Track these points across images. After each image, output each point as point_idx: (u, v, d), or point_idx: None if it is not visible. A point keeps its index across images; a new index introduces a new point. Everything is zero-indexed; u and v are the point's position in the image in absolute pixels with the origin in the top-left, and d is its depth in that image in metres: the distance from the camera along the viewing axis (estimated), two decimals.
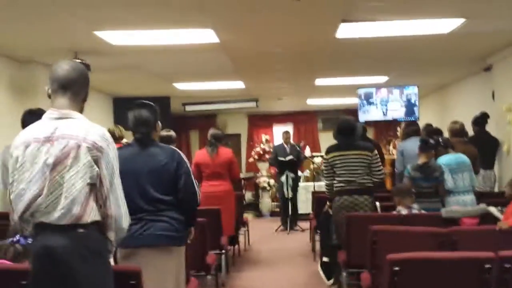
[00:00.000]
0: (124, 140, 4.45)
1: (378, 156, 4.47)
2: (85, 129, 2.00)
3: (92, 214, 1.97)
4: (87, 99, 2.16)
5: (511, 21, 4.69)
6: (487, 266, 2.51)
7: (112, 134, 4.22)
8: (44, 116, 2.06)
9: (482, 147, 5.62)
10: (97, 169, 1.97)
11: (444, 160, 4.53)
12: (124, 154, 2.86)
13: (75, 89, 2.08)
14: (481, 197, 4.64)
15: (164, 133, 3.37)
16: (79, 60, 5.25)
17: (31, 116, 3.71)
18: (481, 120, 6.24)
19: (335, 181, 4.42)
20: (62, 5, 4.00)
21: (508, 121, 4.82)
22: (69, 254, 1.92)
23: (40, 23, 4.52)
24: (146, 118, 2.88)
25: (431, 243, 3.18)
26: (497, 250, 2.58)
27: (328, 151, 4.52)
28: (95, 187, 1.97)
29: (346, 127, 4.51)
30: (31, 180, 1.96)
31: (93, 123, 2.07)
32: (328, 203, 4.68)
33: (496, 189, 5.98)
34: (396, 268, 2.47)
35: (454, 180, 4.44)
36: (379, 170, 4.40)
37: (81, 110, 2.11)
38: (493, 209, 3.96)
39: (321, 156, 4.99)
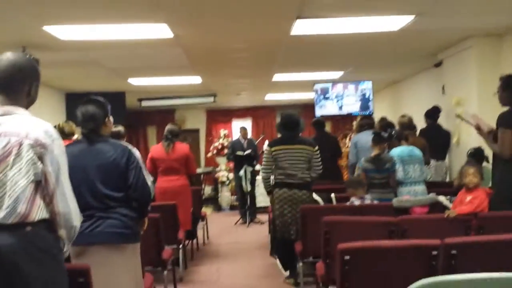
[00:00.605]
0: (75, 136, 4.35)
1: (319, 151, 4.59)
2: (28, 126, 1.94)
3: (39, 212, 1.92)
4: (33, 94, 2.07)
5: (460, 18, 4.87)
6: (434, 253, 2.61)
7: (61, 131, 4.14)
8: None
9: (434, 139, 5.83)
10: (41, 166, 1.91)
11: (397, 151, 4.68)
12: (73, 150, 2.79)
13: (15, 84, 2.00)
14: (432, 187, 4.81)
15: (112, 129, 3.31)
16: (28, 55, 5.07)
17: None
18: (432, 113, 6.48)
19: (275, 174, 4.52)
20: (10, 2, 3.85)
21: (456, 114, 5.02)
22: (16, 253, 1.86)
23: None
24: (93, 114, 2.82)
25: (382, 232, 3.28)
26: (445, 237, 2.69)
27: (272, 144, 4.63)
28: (40, 185, 1.92)
29: (290, 122, 4.62)
30: None
31: (38, 118, 2.00)
32: (268, 195, 4.80)
33: (447, 179, 6.22)
34: (347, 257, 2.54)
35: (405, 171, 4.59)
36: (319, 165, 4.55)
37: (27, 105, 2.04)
38: (442, 198, 4.12)
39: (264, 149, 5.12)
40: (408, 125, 5.78)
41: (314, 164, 4.52)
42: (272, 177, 4.62)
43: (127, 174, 2.77)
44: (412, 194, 4.46)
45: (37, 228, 1.92)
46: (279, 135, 5.00)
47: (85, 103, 2.86)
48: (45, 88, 7.83)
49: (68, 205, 1.99)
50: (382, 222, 3.39)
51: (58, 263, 2.01)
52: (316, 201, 4.57)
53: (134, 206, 2.82)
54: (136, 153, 2.87)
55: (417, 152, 4.70)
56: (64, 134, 4.19)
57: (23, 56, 2.10)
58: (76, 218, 2.03)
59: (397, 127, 5.68)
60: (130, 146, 2.88)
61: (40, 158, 1.91)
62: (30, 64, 2.07)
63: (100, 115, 2.83)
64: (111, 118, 2.97)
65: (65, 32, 4.86)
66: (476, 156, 4.80)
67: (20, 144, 1.90)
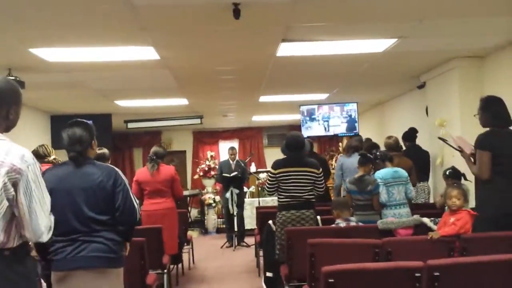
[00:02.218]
0: (52, 157, 4.31)
1: (322, 173, 4.53)
2: (4, 151, 1.92)
3: (17, 239, 1.92)
4: (12, 117, 2.04)
5: (442, 39, 4.98)
6: (417, 274, 2.61)
7: (36, 154, 4.09)
8: None
9: (415, 160, 5.88)
10: (13, 192, 1.90)
11: (381, 174, 4.70)
12: (58, 173, 2.77)
13: None
14: (415, 208, 4.84)
15: (96, 151, 3.29)
16: (13, 77, 5.07)
17: None
18: (409, 135, 6.56)
19: (279, 196, 4.44)
20: None
21: (439, 137, 5.08)
22: None
23: None
24: (79, 136, 2.80)
25: (367, 254, 3.28)
26: (429, 259, 2.69)
27: (276, 166, 4.47)
28: (14, 211, 1.91)
29: (295, 143, 4.49)
30: None
31: (14, 143, 1.98)
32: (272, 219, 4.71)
33: (431, 201, 6.26)
34: (331, 280, 2.53)
35: (389, 194, 4.60)
36: (322, 186, 4.49)
37: (5, 129, 2.02)
38: (426, 220, 4.14)
39: (267, 172, 5.00)
40: (394, 146, 5.83)
41: (317, 185, 4.43)
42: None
43: (114, 196, 2.74)
44: (396, 216, 4.47)
45: (15, 252, 1.91)
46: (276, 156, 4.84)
47: (71, 125, 2.84)
48: (30, 110, 7.79)
49: (40, 229, 1.98)
50: (367, 244, 3.39)
51: (34, 285, 2.02)
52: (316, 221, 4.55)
53: (120, 229, 2.78)
54: (122, 175, 2.85)
55: (401, 173, 4.73)
56: (40, 157, 4.14)
57: (1, 79, 2.08)
58: (46, 237, 2.02)
59: (383, 148, 5.73)
60: (115, 168, 2.87)
61: (14, 184, 1.90)
62: (9, 87, 2.05)
63: (87, 138, 2.82)
64: (95, 141, 2.96)
65: (51, 54, 4.87)
66: (455, 175, 4.83)
67: None
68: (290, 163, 4.43)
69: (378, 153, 5.01)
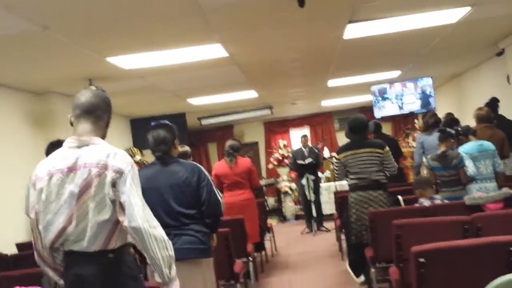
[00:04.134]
0: (138, 158, 4.56)
1: (389, 152, 4.49)
2: (105, 155, 2.00)
3: (120, 240, 1.99)
4: (109, 125, 2.18)
5: None
6: (511, 249, 2.51)
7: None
8: (64, 144, 2.07)
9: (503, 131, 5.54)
10: (119, 193, 1.96)
11: (466, 148, 4.52)
12: (147, 173, 2.95)
13: (97, 114, 2.10)
14: (506, 181, 4.60)
15: (179, 149, 3.46)
16: (94, 87, 5.38)
17: (53, 148, 3.85)
18: (491, 105, 6.19)
19: (348, 179, 4.50)
20: (75, 38, 4.14)
21: None
22: (100, 281, 1.95)
23: (55, 56, 4.67)
24: (164, 137, 2.98)
25: (456, 232, 3.18)
26: None
27: (340, 151, 4.60)
28: (118, 212, 1.96)
29: (357, 125, 4.55)
30: (57, 211, 1.98)
31: (113, 146, 2.08)
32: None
33: None
34: (422, 260, 2.49)
35: (476, 167, 4.42)
36: (392, 165, 4.46)
37: (103, 135, 2.13)
38: None
39: (334, 157, 5.05)
40: (485, 117, 5.51)
41: (386, 165, 4.42)
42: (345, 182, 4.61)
43: (199, 191, 2.89)
44: (483, 191, 4.29)
45: (119, 254, 1.99)
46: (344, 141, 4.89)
47: (155, 128, 3.03)
48: (112, 116, 8.23)
49: (148, 221, 1.95)
50: (455, 222, 3.29)
51: (140, 284, 2.10)
52: (397, 202, 4.49)
53: (206, 222, 2.93)
54: (205, 171, 2.99)
55: (488, 146, 4.50)
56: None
57: (102, 90, 2.23)
58: (159, 232, 1.98)
59: (470, 122, 5.45)
60: (198, 165, 3.01)
61: (116, 184, 1.97)
62: (108, 97, 2.20)
63: (170, 138, 3.00)
64: (177, 140, 3.12)
65: (126, 61, 5.13)
66: None
67: (100, 175, 1.97)
68: (353, 146, 4.48)
69: (459, 128, 4.80)
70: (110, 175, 1.97)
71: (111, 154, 2.01)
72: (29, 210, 2.07)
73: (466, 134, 4.67)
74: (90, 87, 2.24)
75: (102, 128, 2.13)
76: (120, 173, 1.98)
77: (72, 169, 1.99)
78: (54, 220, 1.98)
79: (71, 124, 2.13)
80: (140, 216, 1.94)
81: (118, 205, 1.96)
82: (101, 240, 1.96)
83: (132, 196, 1.96)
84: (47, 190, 1.99)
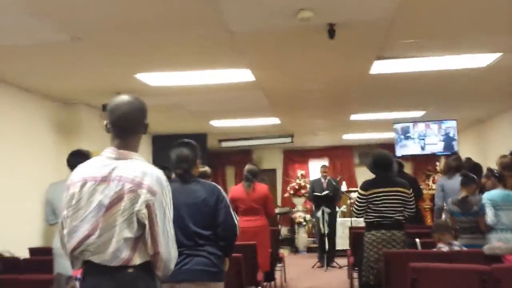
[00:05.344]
0: None
1: (412, 193, 4.38)
2: (142, 173, 1.96)
3: (141, 257, 1.96)
4: (145, 132, 2.13)
5: None
6: None
7: None
8: (103, 154, 2.05)
9: None
10: (148, 213, 1.93)
11: (490, 195, 4.40)
12: None
13: (133, 127, 2.06)
14: None
15: (200, 169, 3.46)
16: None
17: (74, 158, 3.90)
18: None
19: (367, 216, 4.33)
20: (106, 51, 4.22)
21: None
22: None
23: (85, 68, 4.76)
24: (186, 155, 2.97)
25: (474, 281, 3.09)
26: None
27: (367, 187, 4.36)
28: (145, 231, 1.94)
29: (384, 161, 4.40)
30: (84, 219, 1.95)
31: (150, 165, 2.03)
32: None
33: None
34: None
35: (497, 217, 4.30)
36: (412, 206, 4.34)
37: (138, 144, 2.09)
38: None
39: (357, 191, 4.95)
40: (510, 166, 5.40)
41: (408, 206, 4.30)
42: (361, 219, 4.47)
43: (217, 213, 2.87)
44: (503, 241, 4.16)
45: (138, 270, 1.96)
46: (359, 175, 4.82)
47: (178, 145, 3.03)
48: None
49: (170, 252, 1.99)
50: (474, 271, 3.19)
51: None
52: (415, 244, 4.38)
53: (221, 244, 2.89)
54: (224, 193, 2.97)
55: None
56: None
57: (137, 98, 2.12)
58: (174, 263, 2.04)
59: (496, 168, 5.34)
60: (217, 186, 3.00)
61: (149, 205, 1.94)
62: (144, 105, 2.11)
63: (192, 157, 2.99)
64: (199, 160, 3.11)
65: (153, 78, 5.20)
66: None
67: (132, 191, 1.94)
68: (381, 183, 4.32)
69: (495, 170, 4.66)
70: (144, 195, 1.94)
71: (148, 173, 1.98)
72: (59, 213, 2.06)
73: (499, 178, 4.52)
74: (128, 95, 2.11)
75: (137, 141, 2.10)
76: (154, 194, 1.95)
77: (105, 180, 1.96)
78: (78, 227, 1.96)
79: (108, 131, 2.07)
80: (162, 245, 1.95)
81: (147, 227, 1.94)
82: (125, 256, 1.93)
83: (159, 221, 1.95)
84: (78, 196, 1.97)
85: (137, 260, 1.96)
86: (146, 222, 1.94)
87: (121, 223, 1.93)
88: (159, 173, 2.02)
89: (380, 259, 4.19)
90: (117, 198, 1.94)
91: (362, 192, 4.36)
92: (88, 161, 2.09)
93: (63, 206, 2.05)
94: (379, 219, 4.26)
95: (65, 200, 2.04)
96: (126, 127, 2.05)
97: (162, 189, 1.98)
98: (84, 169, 2.04)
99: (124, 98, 2.09)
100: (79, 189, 1.99)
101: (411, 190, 4.35)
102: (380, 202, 4.26)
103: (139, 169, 1.98)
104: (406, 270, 3.27)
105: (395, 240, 4.19)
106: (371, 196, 4.29)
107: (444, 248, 4.02)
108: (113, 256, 1.93)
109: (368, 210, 4.32)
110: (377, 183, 4.35)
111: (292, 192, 10.34)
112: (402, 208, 4.27)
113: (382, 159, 4.43)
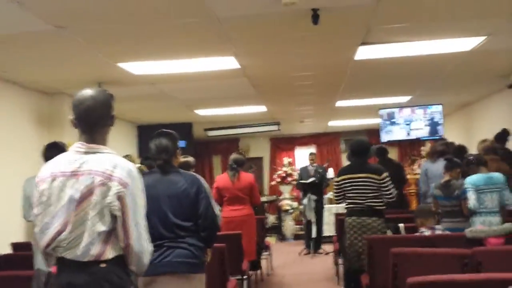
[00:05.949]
0: (137, 165, 4.52)
1: (388, 178, 4.38)
2: (112, 165, 1.95)
3: (113, 250, 1.95)
4: (113, 125, 2.08)
5: None
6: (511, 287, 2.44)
7: None
8: (71, 149, 2.02)
9: (510, 164, 5.46)
10: (120, 206, 1.92)
11: (472, 179, 4.37)
12: (147, 181, 2.90)
13: (99, 121, 2.03)
14: (507, 215, 4.51)
15: (181, 159, 3.41)
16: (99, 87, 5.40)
17: (49, 151, 3.82)
18: (501, 136, 6.13)
19: (346, 202, 4.47)
20: (89, 40, 4.15)
21: None
22: None
23: (68, 57, 4.69)
24: (166, 145, 2.94)
25: (455, 265, 3.11)
26: None
27: (339, 173, 4.58)
28: (117, 224, 1.93)
29: (359, 148, 4.53)
30: (55, 215, 1.94)
31: (120, 157, 2.02)
32: None
33: None
34: None
35: (480, 200, 4.30)
36: (390, 193, 4.34)
37: (106, 137, 2.06)
38: None
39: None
40: (491, 149, 5.43)
41: (384, 192, 4.32)
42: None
43: (197, 204, 2.84)
44: (486, 225, 4.18)
45: (111, 265, 1.94)
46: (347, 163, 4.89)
47: (158, 135, 2.99)
48: (118, 121, 8.21)
49: (142, 244, 1.98)
50: (455, 254, 3.22)
51: None
52: (398, 229, 4.43)
53: (202, 235, 2.88)
54: (205, 183, 2.94)
55: (497, 179, 4.32)
56: None
57: (101, 90, 2.11)
58: (148, 257, 2.04)
59: (476, 152, 5.37)
60: (198, 176, 2.97)
61: (121, 198, 1.92)
62: (109, 98, 2.07)
63: (172, 147, 2.96)
64: (179, 150, 3.08)
65: (137, 67, 5.14)
66: None
67: (103, 184, 1.92)
68: (352, 170, 4.45)
69: (471, 157, 4.66)
70: (115, 187, 1.92)
71: (119, 165, 1.96)
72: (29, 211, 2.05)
73: (478, 163, 4.53)
74: (93, 89, 2.07)
75: (104, 132, 2.06)
76: (125, 186, 1.93)
77: (75, 174, 1.94)
78: (50, 224, 1.94)
79: (75, 126, 2.04)
80: (134, 237, 1.94)
81: (118, 220, 1.93)
82: (96, 250, 1.92)
83: (131, 213, 1.94)
84: (49, 193, 1.96)
85: (110, 254, 1.94)
86: (119, 214, 1.93)
87: (93, 217, 1.92)
88: (130, 165, 2.00)
89: (352, 244, 4.31)
90: (88, 192, 1.92)
91: (335, 179, 4.61)
92: (56, 157, 2.06)
93: (34, 204, 2.03)
94: (352, 206, 4.39)
95: (35, 197, 2.01)
96: (91, 122, 2.02)
97: (133, 181, 1.96)
98: (53, 165, 2.02)
99: (88, 92, 2.04)
100: (48, 185, 1.96)
101: (384, 175, 4.35)
102: (350, 188, 4.39)
103: (110, 162, 1.96)
104: (388, 255, 3.29)
105: (365, 226, 4.28)
106: (342, 182, 4.44)
107: (426, 232, 4.05)
108: (84, 251, 1.91)
109: (345, 197, 4.46)
110: (348, 169, 4.51)
111: (279, 179, 10.35)
112: (375, 194, 4.30)
113: (357, 146, 4.55)
